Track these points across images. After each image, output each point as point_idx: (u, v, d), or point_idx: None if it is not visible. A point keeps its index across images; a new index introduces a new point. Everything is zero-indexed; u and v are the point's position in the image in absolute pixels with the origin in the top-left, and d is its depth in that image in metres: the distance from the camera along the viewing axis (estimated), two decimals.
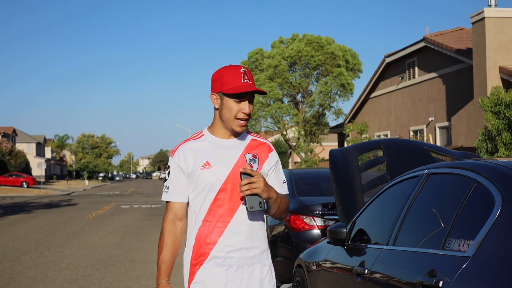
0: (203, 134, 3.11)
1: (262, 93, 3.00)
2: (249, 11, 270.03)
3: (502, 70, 17.47)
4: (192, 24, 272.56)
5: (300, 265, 5.75)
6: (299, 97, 33.86)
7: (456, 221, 3.26)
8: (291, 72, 33.25)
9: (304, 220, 7.70)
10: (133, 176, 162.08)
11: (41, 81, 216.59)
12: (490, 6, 18.32)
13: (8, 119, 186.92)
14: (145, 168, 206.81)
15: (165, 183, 3.09)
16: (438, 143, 22.60)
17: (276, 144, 42.11)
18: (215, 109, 3.05)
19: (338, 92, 32.73)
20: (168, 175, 3.07)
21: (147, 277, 9.54)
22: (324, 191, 8.67)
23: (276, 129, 34.10)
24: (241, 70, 2.97)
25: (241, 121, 2.98)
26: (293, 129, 34.56)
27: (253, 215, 2.98)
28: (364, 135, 26.44)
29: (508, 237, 2.82)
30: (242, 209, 2.96)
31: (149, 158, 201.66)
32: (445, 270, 3.06)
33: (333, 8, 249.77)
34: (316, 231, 7.55)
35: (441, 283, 2.99)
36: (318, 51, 31.64)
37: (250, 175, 2.88)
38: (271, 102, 32.90)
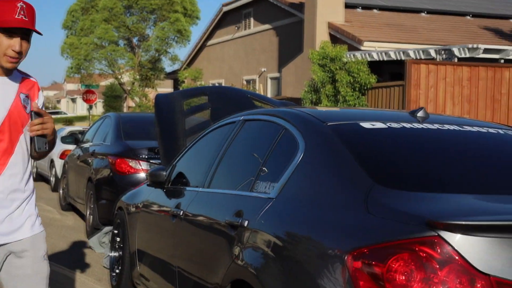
0: None
1: (37, 32, 2.86)
2: None
3: (330, 25, 18.30)
4: None
5: (121, 207, 5.77)
6: (135, 41, 33.19)
7: (264, 165, 3.44)
8: (128, 15, 32.41)
9: (130, 164, 7.71)
10: None
11: None
12: None
13: None
14: None
15: None
16: (269, 94, 23.34)
17: (111, 88, 41.07)
18: None
19: (175, 38, 32.48)
20: None
21: None
22: (151, 135, 8.67)
23: (111, 72, 33.27)
24: (18, 4, 2.75)
25: (10, 58, 2.79)
26: (128, 73, 33.89)
27: (25, 157, 2.94)
28: (198, 82, 26.61)
29: (307, 180, 3.05)
30: (18, 151, 2.91)
31: None
32: (251, 210, 3.23)
33: None
34: (142, 175, 7.58)
35: (246, 223, 3.17)
36: None
37: (41, 115, 2.83)
38: (106, 44, 31.96)
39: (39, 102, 3.00)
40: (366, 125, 3.24)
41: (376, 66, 14.98)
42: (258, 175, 3.42)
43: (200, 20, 33.72)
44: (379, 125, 3.24)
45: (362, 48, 16.95)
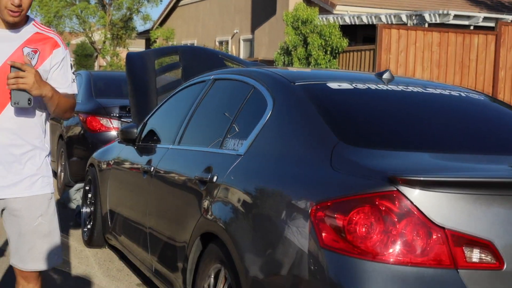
0: None
1: None
2: None
3: None
4: None
5: (93, 164, 5.84)
6: None
7: (234, 123, 3.53)
8: None
9: (101, 122, 7.73)
10: None
11: None
12: None
13: None
14: None
15: None
16: (242, 55, 23.28)
17: (82, 47, 40.47)
18: None
19: None
20: None
21: None
22: (124, 94, 8.68)
23: (82, 30, 32.77)
24: None
25: (10, 12, 2.75)
26: (100, 32, 33.41)
27: (22, 112, 2.85)
28: (171, 42, 26.39)
29: (274, 137, 3.15)
30: (10, 106, 2.81)
31: None
32: (220, 166, 3.33)
33: None
34: (113, 133, 7.62)
35: (215, 178, 3.26)
36: None
37: (21, 69, 2.70)
38: (77, 2, 31.41)
39: (53, 59, 2.91)
40: (333, 85, 3.33)
41: (349, 30, 15.04)
42: (227, 133, 3.51)
43: None
44: (345, 85, 3.34)
45: (334, 11, 16.95)
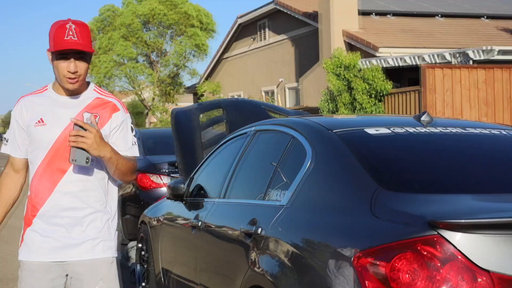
0: (47, 89, 3.05)
1: (88, 51, 2.89)
2: None
3: (345, 33, 18.40)
4: None
5: (144, 221, 5.94)
6: (154, 56, 33.56)
7: (276, 174, 3.58)
8: (145, 31, 32.81)
9: (151, 179, 7.89)
10: None
11: None
12: None
13: None
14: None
15: (5, 135, 3.10)
16: (288, 104, 23.47)
17: (133, 105, 41.51)
18: None
19: (193, 52, 32.82)
20: (10, 127, 3.07)
21: (9, 243, 9.21)
22: (172, 150, 8.85)
23: (131, 89, 33.67)
24: (67, 25, 2.84)
25: (68, 79, 2.88)
26: (148, 89, 34.27)
27: (84, 175, 2.93)
28: (217, 95, 26.83)
29: (315, 186, 3.18)
30: (73, 169, 2.91)
31: None
32: (264, 218, 3.36)
33: None
34: (164, 189, 7.74)
35: (259, 230, 3.30)
36: (172, 10, 31.42)
37: (83, 128, 2.76)
38: (126, 61, 32.36)
39: (113, 123, 2.98)
40: (371, 131, 3.36)
41: (393, 72, 15.04)
42: (270, 184, 3.56)
43: (217, 33, 33.94)
44: (383, 130, 3.36)
45: (377, 54, 17.01)
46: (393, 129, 3.38)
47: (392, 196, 2.70)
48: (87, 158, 2.80)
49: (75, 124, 2.77)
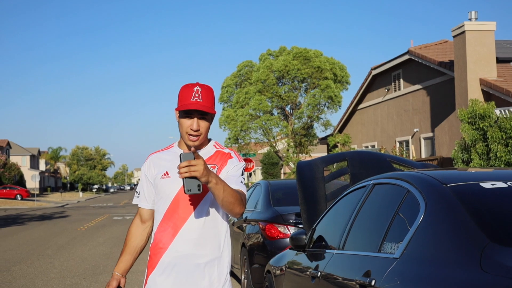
0: (173, 146, 3.38)
1: (210, 112, 3.14)
2: (239, 24, 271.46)
3: (482, 82, 17.91)
4: (183, 38, 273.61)
5: (269, 270, 6.11)
6: (288, 109, 34.27)
7: (391, 226, 3.63)
8: (280, 84, 33.70)
9: (279, 229, 8.08)
10: (128, 187, 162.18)
11: (34, 93, 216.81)
12: (470, 20, 18.78)
13: (2, 131, 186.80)
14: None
15: (136, 188, 3.44)
16: (423, 154, 23.01)
17: (268, 156, 42.39)
18: None
19: (326, 104, 33.19)
20: (140, 181, 3.41)
21: (131, 286, 9.86)
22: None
23: (266, 140, 34.50)
24: (194, 88, 3.13)
25: (190, 136, 3.15)
26: (283, 140, 34.95)
27: (202, 223, 3.16)
28: (350, 146, 26.82)
29: (427, 240, 3.20)
30: (193, 217, 3.16)
31: None
32: (378, 270, 3.42)
33: (322, 21, 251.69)
34: None
35: (373, 282, 3.36)
36: (305, 64, 32.11)
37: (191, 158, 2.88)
38: (261, 114, 33.30)
39: (227, 167, 3.19)
40: (486, 185, 3.34)
41: None
42: (384, 236, 3.61)
43: (350, 84, 34.13)
44: (499, 184, 3.33)
45: None
46: (510, 183, 3.33)
47: (501, 251, 2.68)
48: (199, 186, 2.92)
49: (182, 155, 2.87)
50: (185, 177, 2.87)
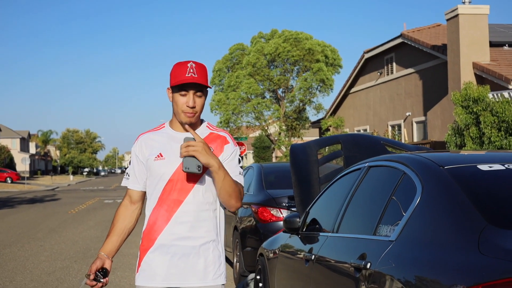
0: (164, 127, 3.29)
1: (206, 86, 3.11)
2: (231, 9, 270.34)
3: (475, 66, 17.87)
4: (176, 24, 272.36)
5: (262, 253, 6.06)
6: (280, 92, 34.18)
7: (386, 209, 3.58)
8: (271, 68, 33.57)
9: (271, 212, 8.03)
10: (118, 171, 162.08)
11: (24, 76, 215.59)
12: (464, 3, 18.68)
13: None
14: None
15: (126, 170, 3.34)
16: (415, 138, 23.01)
17: (259, 139, 42.32)
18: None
19: (318, 87, 33.12)
20: (130, 163, 3.32)
21: (123, 269, 9.81)
22: (291, 184, 8.98)
23: (257, 124, 34.41)
24: (188, 64, 3.07)
25: (187, 113, 3.09)
26: (275, 124, 34.89)
27: (197, 206, 3.11)
28: (342, 130, 26.79)
29: (423, 222, 3.15)
30: (188, 200, 3.10)
31: None
32: (373, 253, 3.38)
33: (314, 6, 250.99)
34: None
35: (368, 265, 3.32)
36: (296, 46, 31.96)
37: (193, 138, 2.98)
38: (252, 98, 33.19)
39: (224, 155, 3.16)
40: (484, 167, 3.29)
41: None
42: (380, 219, 3.56)
43: (342, 68, 34.03)
44: (497, 167, 3.29)
45: (510, 87, 16.37)
46: (508, 165, 3.29)
47: (500, 233, 2.64)
48: (198, 166, 2.97)
49: (185, 138, 3.00)
50: (184, 156, 2.94)
